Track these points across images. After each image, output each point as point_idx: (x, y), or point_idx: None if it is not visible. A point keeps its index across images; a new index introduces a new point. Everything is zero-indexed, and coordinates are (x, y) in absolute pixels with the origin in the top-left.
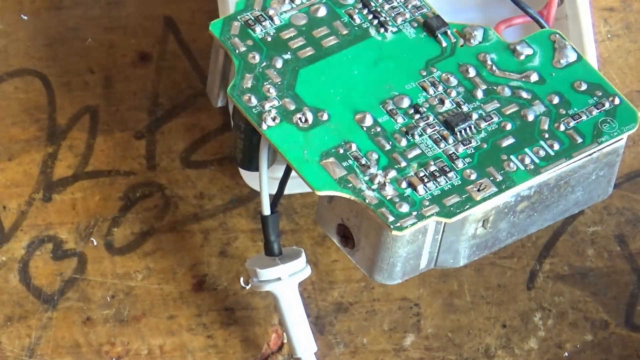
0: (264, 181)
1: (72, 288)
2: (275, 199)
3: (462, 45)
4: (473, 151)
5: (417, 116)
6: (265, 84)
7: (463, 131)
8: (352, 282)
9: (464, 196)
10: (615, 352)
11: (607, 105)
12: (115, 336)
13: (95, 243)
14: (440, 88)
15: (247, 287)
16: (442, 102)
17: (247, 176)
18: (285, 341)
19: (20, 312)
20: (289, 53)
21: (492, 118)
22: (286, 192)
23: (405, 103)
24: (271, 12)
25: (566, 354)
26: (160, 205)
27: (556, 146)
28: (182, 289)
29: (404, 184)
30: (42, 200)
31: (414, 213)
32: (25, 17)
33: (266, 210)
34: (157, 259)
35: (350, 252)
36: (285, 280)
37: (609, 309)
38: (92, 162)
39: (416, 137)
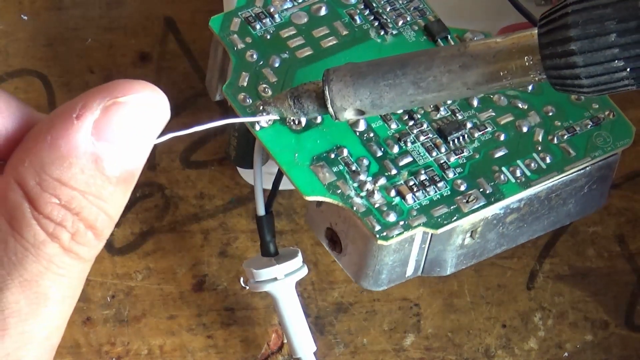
0: (257, 182)
1: None
2: (269, 200)
3: None
4: (465, 161)
5: (410, 122)
6: (261, 83)
7: (456, 140)
8: (352, 282)
9: (452, 207)
10: (615, 352)
11: (602, 118)
12: (115, 336)
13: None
14: None
15: (247, 288)
16: (436, 108)
17: (246, 174)
18: (285, 341)
19: None
20: (287, 52)
21: (486, 128)
22: (286, 187)
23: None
24: (272, 9)
25: (566, 354)
26: (161, 205)
27: (548, 159)
28: (182, 289)
29: (392, 192)
30: None
31: (401, 223)
32: (25, 17)
33: (260, 210)
34: (157, 259)
35: (338, 256)
36: (281, 280)
37: (609, 309)
38: None
39: (408, 144)
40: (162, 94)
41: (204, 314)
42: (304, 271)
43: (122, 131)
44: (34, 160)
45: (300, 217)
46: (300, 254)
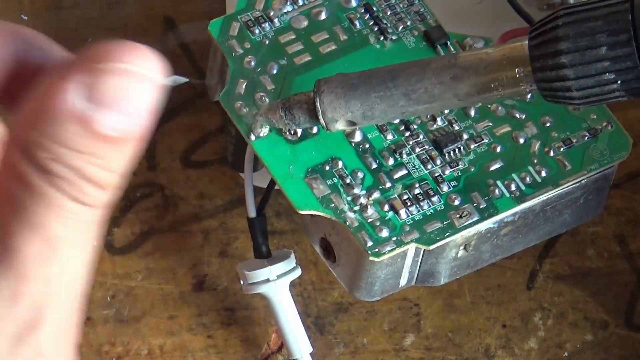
0: (248, 184)
1: None
2: (262, 202)
3: None
4: (460, 174)
5: (407, 133)
6: (258, 91)
7: (452, 152)
8: None
9: (445, 222)
10: (615, 352)
11: (600, 130)
12: (115, 336)
13: (95, 243)
14: None
15: None
16: (433, 119)
17: None
18: None
19: None
20: (285, 59)
21: (482, 139)
22: None
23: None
24: (272, 13)
25: (566, 354)
26: (161, 205)
27: (544, 173)
28: (182, 289)
29: (386, 207)
30: None
31: (394, 239)
32: (25, 17)
33: (252, 212)
34: (157, 259)
35: (332, 266)
36: (274, 282)
37: (609, 309)
38: None
39: (404, 156)
40: (153, 57)
41: (204, 314)
42: (297, 272)
43: (114, 93)
44: (28, 116)
45: (300, 217)
46: (293, 255)
